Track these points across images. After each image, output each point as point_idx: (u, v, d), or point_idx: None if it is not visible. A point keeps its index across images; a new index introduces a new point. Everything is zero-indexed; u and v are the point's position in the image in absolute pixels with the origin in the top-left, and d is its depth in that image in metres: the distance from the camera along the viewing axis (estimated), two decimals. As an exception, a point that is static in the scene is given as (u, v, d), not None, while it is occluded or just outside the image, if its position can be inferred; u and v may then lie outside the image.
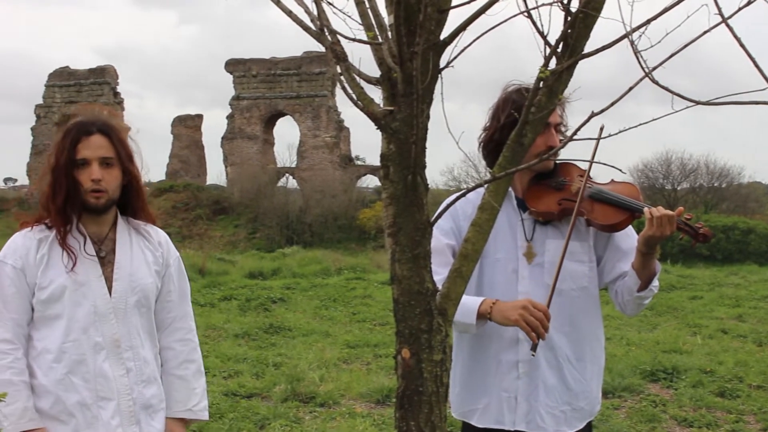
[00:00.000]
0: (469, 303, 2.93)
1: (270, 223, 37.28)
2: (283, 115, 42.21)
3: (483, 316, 2.91)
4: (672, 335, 11.02)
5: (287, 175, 42.75)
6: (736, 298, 15.07)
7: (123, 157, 2.99)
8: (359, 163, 42.55)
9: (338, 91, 39.79)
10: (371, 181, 44.54)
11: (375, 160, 41.18)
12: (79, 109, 3.16)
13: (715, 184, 37.56)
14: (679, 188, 37.29)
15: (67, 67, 43.06)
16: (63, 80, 42.24)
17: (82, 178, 2.91)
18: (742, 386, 8.20)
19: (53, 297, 2.92)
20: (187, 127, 50.77)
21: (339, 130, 41.01)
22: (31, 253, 2.95)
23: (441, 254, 3.00)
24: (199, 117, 51.78)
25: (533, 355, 2.91)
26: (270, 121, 42.82)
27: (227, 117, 42.90)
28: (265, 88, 41.41)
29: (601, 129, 2.89)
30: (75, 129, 2.93)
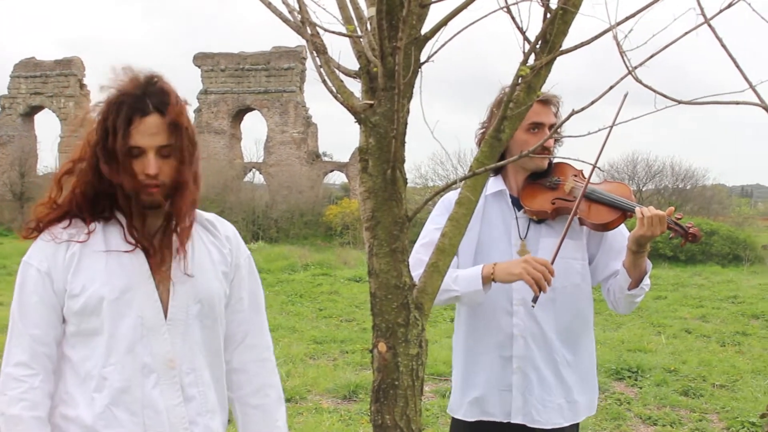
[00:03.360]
0: (470, 272, 2.97)
1: (236, 218, 37.05)
2: (251, 110, 41.93)
3: (488, 279, 2.94)
4: (636, 334, 11.10)
5: (254, 170, 42.53)
6: (700, 299, 15.23)
7: (184, 146, 2.30)
8: (326, 159, 42.37)
9: (306, 86, 39.77)
10: (338, 178, 44.49)
11: (342, 157, 40.72)
12: (124, 74, 2.29)
13: (680, 186, 37.87)
14: (644, 189, 37.54)
15: (33, 57, 42.51)
16: (29, 71, 41.61)
17: (135, 168, 2.24)
18: (706, 385, 8.29)
19: (88, 308, 2.27)
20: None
21: (307, 126, 40.81)
22: (59, 253, 2.31)
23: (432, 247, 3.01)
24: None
25: (533, 306, 2.96)
26: (237, 116, 42.52)
27: (194, 111, 42.51)
28: (233, 82, 41.11)
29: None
30: (127, 104, 2.22)
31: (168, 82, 2.31)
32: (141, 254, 2.32)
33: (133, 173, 2.24)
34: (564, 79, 2.73)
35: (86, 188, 2.33)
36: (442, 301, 2.94)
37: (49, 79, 40.54)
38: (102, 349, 2.29)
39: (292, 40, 38.22)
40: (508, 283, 2.94)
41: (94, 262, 2.30)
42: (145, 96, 2.22)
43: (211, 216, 2.58)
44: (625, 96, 2.88)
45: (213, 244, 2.50)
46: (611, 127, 2.95)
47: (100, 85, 2.28)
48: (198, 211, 2.50)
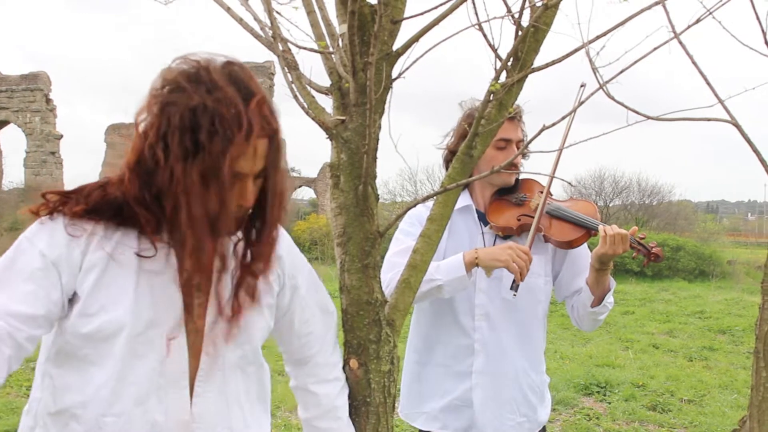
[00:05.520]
0: (451, 260, 2.93)
1: (204, 234, 36.93)
2: (219, 125, 41.79)
3: (471, 264, 2.92)
4: (605, 350, 11.14)
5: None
6: (667, 314, 15.31)
7: (275, 167, 1.81)
8: (294, 174, 42.32)
9: (274, 101, 39.62)
10: (306, 193, 44.42)
11: (311, 172, 40.71)
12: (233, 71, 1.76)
13: (647, 202, 38.18)
14: (611, 205, 37.81)
15: (-1, 72, 42.15)
16: (-6, 86, 41.30)
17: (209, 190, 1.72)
18: (674, 400, 8.32)
19: (100, 335, 1.79)
20: (122, 136, 50.01)
21: (275, 142, 40.70)
22: (77, 248, 1.80)
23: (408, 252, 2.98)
24: (135, 125, 51.04)
25: (514, 295, 2.95)
26: (206, 131, 42.35)
27: (162, 126, 42.28)
28: (201, 97, 40.93)
29: (581, 89, 2.93)
30: (255, 121, 1.71)
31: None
32: (175, 277, 1.86)
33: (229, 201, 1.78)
34: (534, 95, 2.75)
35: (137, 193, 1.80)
36: (424, 292, 2.90)
37: (14, 94, 40.14)
38: (102, 389, 1.82)
39: (260, 55, 38.23)
40: (491, 268, 2.92)
41: (122, 279, 1.82)
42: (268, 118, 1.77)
43: None
44: (583, 86, 2.92)
45: None
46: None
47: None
48: None
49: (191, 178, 1.69)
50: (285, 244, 2.08)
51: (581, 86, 2.94)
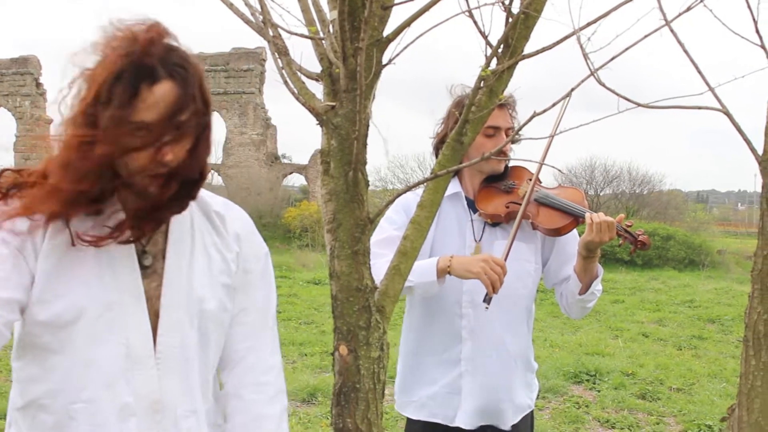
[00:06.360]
0: (425, 263, 2.92)
1: (194, 220, 36.85)
2: (210, 111, 41.69)
3: (443, 271, 2.91)
4: (594, 338, 11.17)
5: (212, 171, 42.31)
6: (657, 303, 15.36)
7: (200, 117, 1.72)
8: (285, 161, 42.22)
9: (266, 88, 39.61)
10: (297, 180, 44.36)
11: (301, 159, 40.60)
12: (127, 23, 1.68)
13: (637, 191, 38.23)
14: (601, 194, 37.85)
15: (-12, 56, 41.96)
16: (-17, 70, 41.11)
17: (138, 155, 1.67)
18: (663, 389, 8.36)
19: (60, 321, 1.72)
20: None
21: (266, 128, 40.59)
22: (37, 234, 1.73)
23: (392, 243, 2.97)
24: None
25: (486, 308, 2.93)
26: (197, 118, 42.24)
27: (153, 112, 42.15)
28: (192, 83, 40.84)
29: (567, 99, 2.95)
30: (131, 68, 1.63)
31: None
32: (134, 258, 1.81)
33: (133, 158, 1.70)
34: (524, 82, 2.74)
35: (69, 180, 1.69)
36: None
37: (4, 78, 39.95)
38: (68, 378, 1.76)
39: (251, 41, 38.10)
40: (463, 279, 2.93)
41: (79, 262, 1.75)
42: (159, 59, 1.67)
43: (220, 205, 2.02)
44: (570, 92, 2.94)
45: (216, 246, 1.95)
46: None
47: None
48: (207, 196, 1.99)
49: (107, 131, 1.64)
50: (242, 223, 2.04)
51: (566, 96, 2.95)
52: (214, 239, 1.94)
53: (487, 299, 2.90)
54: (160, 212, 1.77)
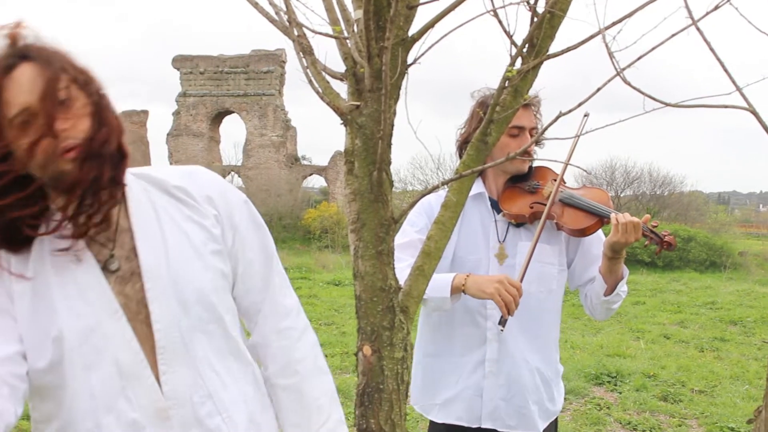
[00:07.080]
0: (442, 278, 2.91)
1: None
2: (230, 113, 41.81)
3: (457, 289, 2.91)
4: (616, 340, 11.12)
5: (233, 173, 42.38)
6: (678, 305, 15.29)
7: (85, 87, 1.67)
8: (305, 163, 42.28)
9: (285, 90, 39.69)
10: (317, 182, 44.45)
11: (321, 161, 40.75)
12: None
13: (658, 192, 38.11)
14: (622, 195, 37.75)
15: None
16: None
17: (22, 142, 1.61)
18: (685, 391, 8.31)
19: (52, 360, 1.72)
20: (133, 123, 50.11)
21: (285, 130, 40.69)
22: (9, 286, 1.73)
23: (412, 247, 2.97)
24: (145, 113, 51.09)
25: (501, 330, 2.92)
26: (216, 119, 42.37)
27: (173, 113, 42.38)
28: (212, 85, 40.95)
29: (585, 118, 2.95)
30: None
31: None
32: (98, 275, 1.76)
33: (18, 146, 1.65)
34: (549, 82, 2.73)
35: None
36: None
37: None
38: (72, 408, 1.76)
39: (271, 43, 38.15)
40: (478, 299, 2.92)
41: (48, 295, 1.73)
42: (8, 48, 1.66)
43: (177, 178, 1.93)
44: (586, 116, 2.96)
45: (190, 219, 1.88)
46: (565, 163, 2.99)
47: None
48: (157, 176, 1.92)
49: None
50: (209, 182, 1.96)
51: (585, 116, 2.97)
52: (185, 213, 1.87)
53: (502, 321, 2.88)
54: (94, 197, 1.70)
